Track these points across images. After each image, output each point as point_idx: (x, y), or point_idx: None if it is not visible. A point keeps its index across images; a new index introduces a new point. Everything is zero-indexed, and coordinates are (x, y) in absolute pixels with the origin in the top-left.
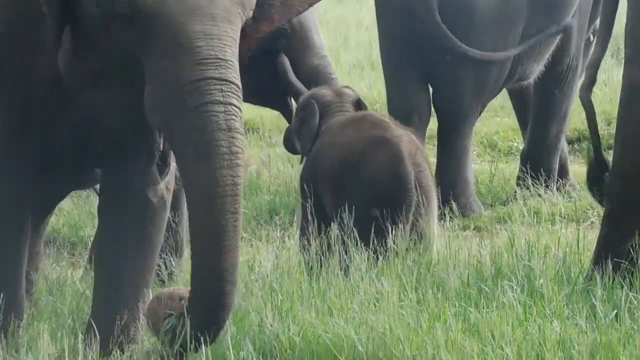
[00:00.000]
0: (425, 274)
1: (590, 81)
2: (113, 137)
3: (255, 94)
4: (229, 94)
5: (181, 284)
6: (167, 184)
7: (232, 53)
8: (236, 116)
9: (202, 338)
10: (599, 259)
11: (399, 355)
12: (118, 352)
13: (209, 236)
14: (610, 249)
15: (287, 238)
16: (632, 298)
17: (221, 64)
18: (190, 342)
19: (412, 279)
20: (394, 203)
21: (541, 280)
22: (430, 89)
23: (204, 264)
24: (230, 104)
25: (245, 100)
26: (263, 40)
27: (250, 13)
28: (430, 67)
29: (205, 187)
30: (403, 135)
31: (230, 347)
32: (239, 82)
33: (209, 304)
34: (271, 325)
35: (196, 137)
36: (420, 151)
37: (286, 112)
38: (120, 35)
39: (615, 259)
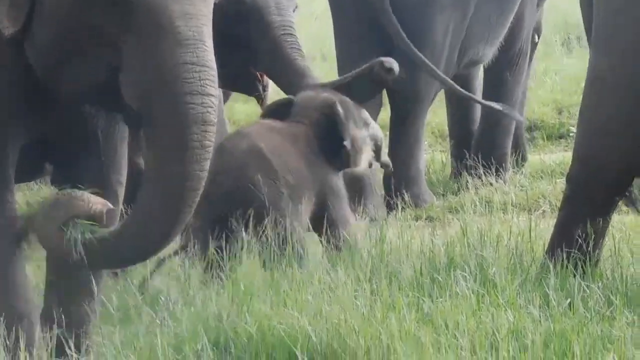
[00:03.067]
0: (378, 265)
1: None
2: (69, 131)
3: (225, 78)
4: (207, 82)
5: (135, 278)
6: (120, 178)
7: (208, 32)
8: (212, 108)
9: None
10: (552, 247)
11: (353, 346)
12: (72, 346)
13: (160, 223)
14: (564, 237)
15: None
16: (585, 287)
17: (199, 46)
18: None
19: (366, 270)
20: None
21: (494, 270)
22: None
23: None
24: (208, 94)
25: (222, 87)
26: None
27: None
28: (384, 53)
29: (172, 178)
30: (240, 145)
31: (186, 339)
32: (214, 65)
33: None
34: (227, 317)
35: (172, 128)
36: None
37: (257, 97)
38: (100, 18)
39: (568, 248)
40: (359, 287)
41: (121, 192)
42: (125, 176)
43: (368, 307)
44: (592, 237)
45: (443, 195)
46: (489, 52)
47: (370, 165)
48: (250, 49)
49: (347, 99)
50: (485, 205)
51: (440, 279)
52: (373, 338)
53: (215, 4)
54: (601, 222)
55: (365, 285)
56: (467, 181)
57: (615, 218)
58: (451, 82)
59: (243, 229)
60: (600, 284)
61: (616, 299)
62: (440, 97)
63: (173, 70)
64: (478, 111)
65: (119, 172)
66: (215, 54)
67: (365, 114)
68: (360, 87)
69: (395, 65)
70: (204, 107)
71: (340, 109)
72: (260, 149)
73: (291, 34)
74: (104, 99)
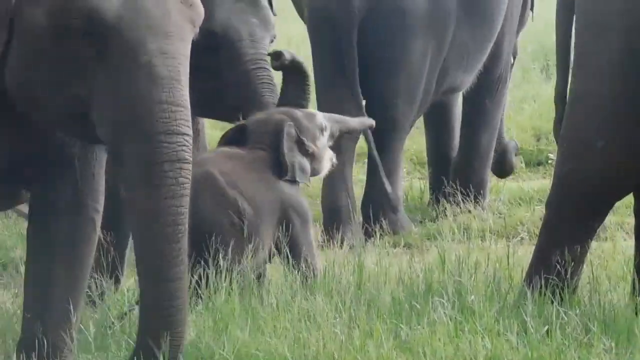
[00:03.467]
0: (356, 292)
1: (562, 116)
2: (45, 157)
3: (203, 107)
4: (182, 122)
5: (113, 307)
6: (96, 205)
7: (184, 72)
8: (186, 146)
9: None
10: (531, 273)
11: None
12: None
13: (152, 264)
14: (542, 263)
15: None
16: (563, 314)
17: (175, 85)
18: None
19: (344, 297)
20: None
21: (472, 297)
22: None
23: (148, 291)
24: (183, 133)
25: (200, 114)
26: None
27: (197, 30)
28: (362, 78)
29: (149, 215)
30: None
31: None
32: (188, 105)
33: (157, 326)
34: (205, 344)
35: (145, 166)
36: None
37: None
38: (74, 50)
39: (546, 275)
40: (337, 314)
41: (98, 218)
42: (102, 203)
43: (346, 334)
44: (571, 263)
45: (421, 222)
46: (468, 79)
47: (332, 165)
48: (221, 80)
49: (299, 112)
50: (464, 232)
51: (418, 305)
52: None
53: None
54: (580, 249)
55: (343, 312)
56: (445, 208)
57: (593, 245)
58: None
59: (216, 257)
60: (578, 310)
61: (594, 326)
62: (419, 123)
63: (148, 109)
64: (457, 138)
65: (95, 200)
66: (190, 83)
67: (318, 116)
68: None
69: (286, 54)
70: (179, 146)
71: (292, 130)
72: (214, 177)
73: (263, 68)
74: (77, 130)
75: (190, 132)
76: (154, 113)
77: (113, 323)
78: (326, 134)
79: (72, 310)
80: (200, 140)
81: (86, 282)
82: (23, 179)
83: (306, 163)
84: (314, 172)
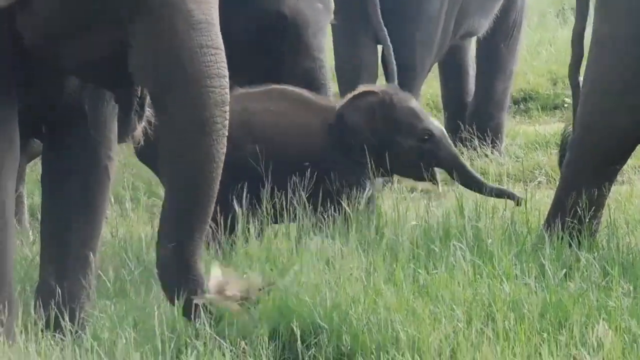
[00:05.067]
0: (374, 237)
1: (578, 60)
2: (56, 105)
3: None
4: (222, 65)
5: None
6: (109, 152)
7: (217, 16)
8: (227, 89)
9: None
10: (551, 215)
11: (353, 315)
12: (67, 320)
13: (192, 206)
14: (562, 207)
15: None
16: (582, 257)
17: (212, 29)
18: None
19: (363, 242)
20: None
21: (490, 241)
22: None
23: (180, 226)
24: (224, 76)
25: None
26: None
27: None
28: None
29: (199, 161)
30: None
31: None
32: (223, 47)
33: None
34: None
35: (194, 112)
36: None
37: None
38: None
39: (565, 218)
40: (357, 259)
41: (111, 165)
42: (116, 150)
43: (365, 279)
44: (591, 207)
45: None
46: (485, 24)
47: None
48: (280, 62)
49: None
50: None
51: (437, 249)
52: (370, 310)
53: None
54: (600, 192)
55: (362, 257)
56: (463, 153)
57: (611, 188)
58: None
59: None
60: (596, 254)
61: (612, 270)
62: (435, 69)
63: (190, 54)
64: (472, 83)
65: (108, 146)
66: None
67: None
68: None
69: None
70: (222, 89)
71: None
72: None
73: (323, 67)
74: (99, 76)
75: (227, 73)
76: (196, 57)
77: (131, 268)
78: None
79: (89, 256)
80: None
81: (101, 229)
82: (34, 128)
83: None
84: None
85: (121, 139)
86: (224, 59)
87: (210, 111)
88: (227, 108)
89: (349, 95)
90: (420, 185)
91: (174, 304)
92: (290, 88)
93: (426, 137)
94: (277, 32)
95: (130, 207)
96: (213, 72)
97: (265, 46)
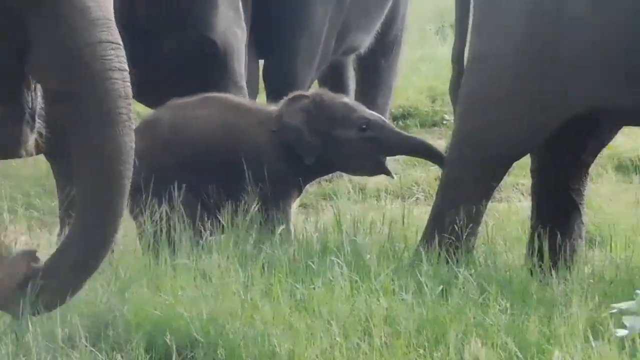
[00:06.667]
0: (252, 251)
1: (458, 77)
2: None
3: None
4: (122, 58)
5: None
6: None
7: (112, 12)
8: (129, 82)
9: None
10: (427, 232)
11: (230, 329)
12: None
13: (99, 199)
14: (439, 223)
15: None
16: (459, 274)
17: (110, 25)
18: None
19: (240, 256)
20: None
21: (368, 256)
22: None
23: (89, 227)
24: (125, 69)
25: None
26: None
27: None
28: (261, 37)
29: (108, 153)
30: None
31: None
32: (121, 40)
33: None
34: (105, 302)
35: (99, 105)
36: None
37: None
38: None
39: (442, 234)
40: (234, 273)
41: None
42: None
43: (243, 293)
44: (468, 223)
45: (317, 182)
46: (367, 39)
47: None
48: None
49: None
50: (359, 192)
51: (314, 265)
52: (247, 324)
53: None
54: (477, 209)
55: (240, 271)
56: None
57: (489, 205)
58: None
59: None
60: (473, 271)
61: (489, 287)
62: (315, 86)
63: (91, 49)
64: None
65: None
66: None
67: None
68: None
69: None
70: (125, 82)
71: None
72: None
73: (244, 86)
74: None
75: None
76: (97, 52)
77: None
78: None
79: None
80: None
81: None
82: None
83: None
84: None
85: (14, 152)
86: (124, 54)
87: (115, 103)
88: (131, 101)
89: (282, 102)
90: (373, 179)
91: None
92: (223, 94)
93: (364, 125)
94: (206, 58)
95: (8, 218)
96: (114, 66)
97: (194, 71)
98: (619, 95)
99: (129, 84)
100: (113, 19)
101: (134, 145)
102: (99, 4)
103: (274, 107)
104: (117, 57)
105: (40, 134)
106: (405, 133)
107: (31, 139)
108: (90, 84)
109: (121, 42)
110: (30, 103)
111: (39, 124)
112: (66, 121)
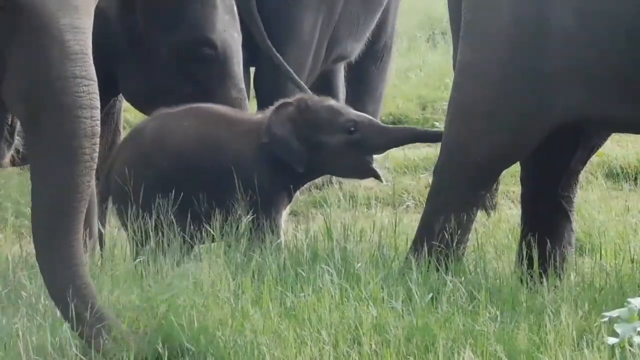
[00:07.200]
0: (242, 259)
1: None
2: None
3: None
4: (94, 95)
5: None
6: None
7: (91, 46)
8: (98, 120)
9: None
10: (417, 240)
11: (220, 337)
12: None
13: (54, 232)
14: (428, 231)
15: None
16: (449, 282)
17: (86, 60)
18: None
19: (230, 264)
20: None
21: (358, 264)
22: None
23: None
24: (95, 107)
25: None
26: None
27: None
28: (252, 45)
29: (64, 190)
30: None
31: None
32: (95, 77)
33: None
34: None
35: (63, 141)
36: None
37: None
38: None
39: (432, 242)
40: (224, 281)
41: None
42: None
43: (234, 301)
44: (457, 231)
45: (307, 189)
46: (357, 47)
47: None
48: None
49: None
50: (350, 199)
51: (304, 273)
52: (237, 332)
53: None
54: (466, 217)
55: (230, 279)
56: (331, 176)
57: (479, 213)
58: (304, 86)
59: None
60: (463, 279)
61: (479, 294)
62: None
63: (63, 84)
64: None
65: None
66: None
67: None
68: None
69: None
70: (93, 121)
71: None
72: None
73: (244, 88)
74: None
75: (99, 105)
76: (69, 87)
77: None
78: None
79: None
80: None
81: None
82: None
83: None
84: None
85: None
86: (97, 91)
87: (79, 141)
88: (97, 140)
89: (269, 111)
90: (363, 186)
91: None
92: (211, 105)
93: (352, 128)
94: (206, 61)
95: None
96: (85, 103)
97: (193, 74)
98: (605, 104)
99: (97, 122)
100: (90, 54)
101: (92, 184)
102: (77, 38)
103: (260, 116)
104: (89, 95)
105: (17, 151)
106: (393, 127)
107: (7, 155)
108: (58, 118)
109: (95, 79)
110: (9, 120)
111: (17, 140)
112: (29, 147)
